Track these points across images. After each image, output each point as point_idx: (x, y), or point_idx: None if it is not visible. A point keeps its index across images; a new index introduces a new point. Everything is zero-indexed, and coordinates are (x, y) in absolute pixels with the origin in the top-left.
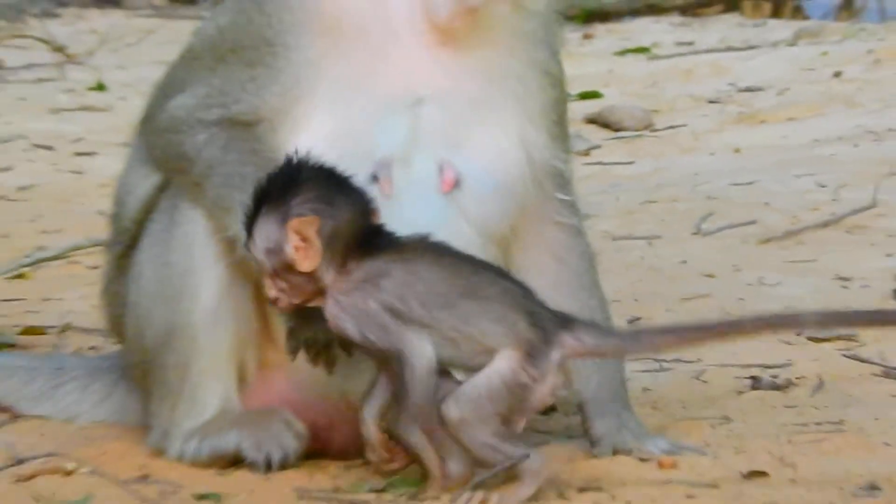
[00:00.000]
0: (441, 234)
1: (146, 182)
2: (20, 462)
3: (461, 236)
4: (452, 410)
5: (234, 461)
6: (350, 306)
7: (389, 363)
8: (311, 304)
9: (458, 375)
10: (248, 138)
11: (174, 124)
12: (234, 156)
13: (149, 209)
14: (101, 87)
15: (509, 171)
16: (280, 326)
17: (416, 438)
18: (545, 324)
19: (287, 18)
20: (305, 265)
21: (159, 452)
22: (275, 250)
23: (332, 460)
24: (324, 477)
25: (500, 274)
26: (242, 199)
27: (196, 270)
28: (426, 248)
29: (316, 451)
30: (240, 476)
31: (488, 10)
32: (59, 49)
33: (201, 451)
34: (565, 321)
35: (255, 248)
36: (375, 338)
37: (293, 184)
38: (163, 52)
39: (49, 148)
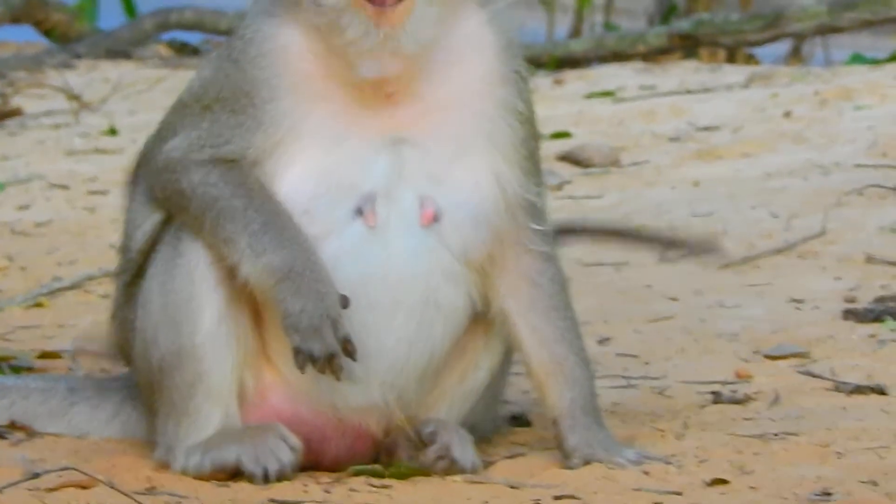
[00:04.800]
0: (423, 262)
1: (151, 217)
2: (36, 476)
3: (442, 264)
4: None
5: (234, 474)
6: None
7: None
8: None
9: None
10: (238, 174)
11: (170, 165)
12: (227, 190)
13: (154, 241)
14: (113, 132)
15: (485, 204)
16: (277, 347)
17: None
18: None
19: (259, 76)
20: None
21: (165, 466)
22: None
23: (324, 472)
24: (317, 487)
25: None
26: (236, 229)
27: (197, 297)
28: None
29: (310, 463)
30: (238, 487)
31: (411, 64)
32: (74, 97)
33: (203, 464)
34: None
35: None
36: None
37: None
38: (170, 99)
39: (65, 187)
